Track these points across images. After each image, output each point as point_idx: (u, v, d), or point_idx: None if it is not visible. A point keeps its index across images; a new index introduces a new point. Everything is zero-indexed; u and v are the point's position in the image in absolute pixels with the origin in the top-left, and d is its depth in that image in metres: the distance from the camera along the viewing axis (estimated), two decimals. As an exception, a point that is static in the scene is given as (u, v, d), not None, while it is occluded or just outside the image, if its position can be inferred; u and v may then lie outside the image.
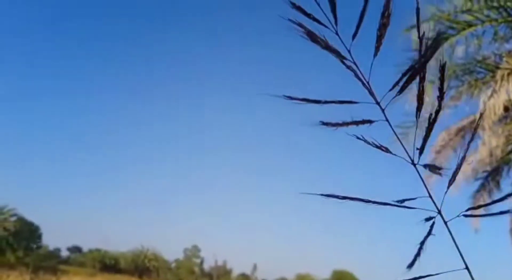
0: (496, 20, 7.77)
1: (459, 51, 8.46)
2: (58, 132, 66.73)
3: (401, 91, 1.01)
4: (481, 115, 6.90)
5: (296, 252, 65.49)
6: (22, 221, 46.86)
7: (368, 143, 0.99)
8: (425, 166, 1.00)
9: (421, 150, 0.97)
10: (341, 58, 0.96)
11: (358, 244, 58.68)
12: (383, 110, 0.96)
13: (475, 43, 7.99)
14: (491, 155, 9.45)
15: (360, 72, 0.98)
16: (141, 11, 65.06)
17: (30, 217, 49.52)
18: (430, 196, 0.95)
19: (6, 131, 60.01)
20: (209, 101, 64.13)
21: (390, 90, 1.00)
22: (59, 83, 63.41)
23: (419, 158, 0.98)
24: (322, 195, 0.96)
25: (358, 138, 0.98)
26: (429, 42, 0.95)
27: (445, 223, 0.94)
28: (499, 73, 7.20)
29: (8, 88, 60.77)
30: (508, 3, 8.34)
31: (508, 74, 7.04)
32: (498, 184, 11.26)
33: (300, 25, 0.91)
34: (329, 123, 0.99)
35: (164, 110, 68.01)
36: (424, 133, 0.95)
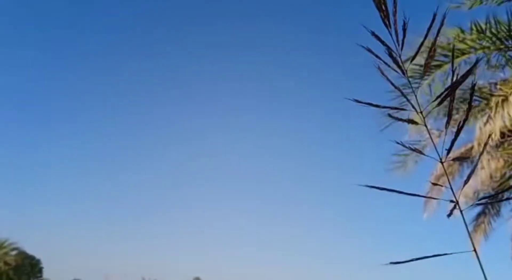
0: (488, 48, 8.09)
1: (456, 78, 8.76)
2: (59, 165, 66.73)
3: (439, 104, 1.33)
4: (482, 141, 7.13)
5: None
6: (23, 254, 46.61)
7: (405, 146, 1.34)
8: (453, 159, 1.31)
9: (449, 150, 1.24)
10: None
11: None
12: (423, 118, 1.27)
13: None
14: (491, 178, 9.66)
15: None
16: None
17: (31, 250, 49.15)
18: (451, 188, 1.21)
19: (8, 162, 60.11)
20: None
21: (433, 101, 1.30)
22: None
23: (446, 157, 1.27)
24: (365, 186, 1.21)
25: (397, 142, 1.34)
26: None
27: (461, 211, 1.18)
28: (493, 100, 7.48)
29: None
30: (501, 32, 8.69)
31: (503, 101, 7.31)
32: (499, 208, 11.43)
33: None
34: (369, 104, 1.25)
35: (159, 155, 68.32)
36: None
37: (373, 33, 1.28)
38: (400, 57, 1.36)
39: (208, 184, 67.68)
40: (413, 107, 1.26)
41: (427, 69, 8.48)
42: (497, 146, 8.38)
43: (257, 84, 45.76)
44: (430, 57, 1.37)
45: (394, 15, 1.33)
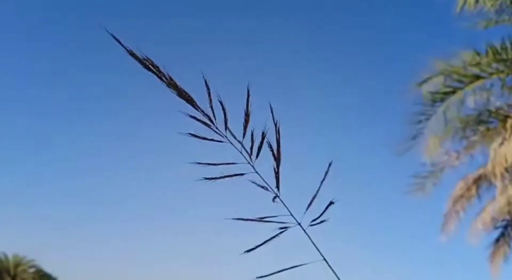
0: (502, 71, 8.11)
1: (471, 102, 8.77)
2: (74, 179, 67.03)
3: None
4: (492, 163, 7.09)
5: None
6: (40, 272, 46.71)
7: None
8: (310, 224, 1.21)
9: (309, 206, 1.19)
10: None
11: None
12: (255, 170, 1.17)
13: (484, 95, 8.31)
14: (509, 203, 9.55)
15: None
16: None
17: (48, 268, 49.24)
18: (291, 214, 1.17)
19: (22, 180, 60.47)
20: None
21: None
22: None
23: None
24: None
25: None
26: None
27: (304, 230, 1.17)
28: (509, 122, 7.47)
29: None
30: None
31: (518, 123, 7.31)
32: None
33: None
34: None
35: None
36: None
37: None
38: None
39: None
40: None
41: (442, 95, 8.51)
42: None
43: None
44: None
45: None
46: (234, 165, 1.15)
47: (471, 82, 8.38)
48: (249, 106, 1.14)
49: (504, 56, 8.60)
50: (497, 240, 11.56)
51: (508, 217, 10.53)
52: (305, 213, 1.17)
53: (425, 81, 8.79)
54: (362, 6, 19.88)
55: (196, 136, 1.13)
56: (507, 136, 7.21)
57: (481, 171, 10.71)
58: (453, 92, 8.28)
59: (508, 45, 8.65)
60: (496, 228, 11.45)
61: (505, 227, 11.15)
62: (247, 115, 1.14)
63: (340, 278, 1.16)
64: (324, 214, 1.18)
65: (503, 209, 9.27)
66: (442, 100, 8.43)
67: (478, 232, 10.29)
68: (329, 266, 1.14)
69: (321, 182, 1.18)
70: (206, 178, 1.13)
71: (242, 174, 1.16)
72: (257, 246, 1.15)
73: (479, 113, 9.04)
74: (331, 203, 1.18)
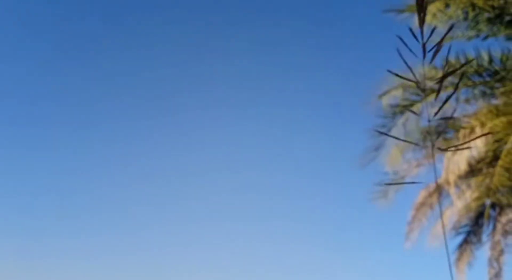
0: (457, 84, 8.67)
1: (429, 114, 9.32)
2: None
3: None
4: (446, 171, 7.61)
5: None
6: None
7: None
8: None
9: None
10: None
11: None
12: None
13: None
14: (466, 208, 10.13)
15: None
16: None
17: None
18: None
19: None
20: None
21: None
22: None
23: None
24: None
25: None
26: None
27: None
28: (461, 132, 8.01)
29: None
30: (469, 69, 9.30)
31: (470, 133, 7.85)
32: (480, 237, 11.79)
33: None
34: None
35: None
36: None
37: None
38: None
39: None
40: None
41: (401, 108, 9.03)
42: (467, 177, 8.86)
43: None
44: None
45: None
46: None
47: (427, 95, 8.92)
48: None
49: (458, 70, 9.17)
50: (460, 245, 12.12)
51: (466, 222, 11.10)
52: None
53: (384, 94, 9.31)
54: (328, 19, 20.52)
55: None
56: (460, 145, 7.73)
57: (442, 179, 11.31)
58: (411, 105, 8.80)
59: (461, 59, 9.23)
60: (459, 233, 12.02)
61: (468, 232, 11.71)
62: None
63: None
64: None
65: (461, 213, 9.80)
66: (401, 112, 8.94)
67: (439, 234, 10.85)
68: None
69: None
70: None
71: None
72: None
73: (437, 125, 9.60)
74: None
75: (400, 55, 1.66)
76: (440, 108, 1.60)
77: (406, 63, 1.79)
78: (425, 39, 1.86)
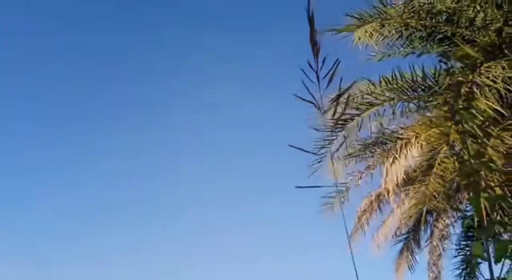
0: (392, 99, 9.23)
1: (369, 127, 9.83)
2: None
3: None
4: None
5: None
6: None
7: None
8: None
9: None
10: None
11: None
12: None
13: (379, 120, 9.42)
14: (407, 216, 10.70)
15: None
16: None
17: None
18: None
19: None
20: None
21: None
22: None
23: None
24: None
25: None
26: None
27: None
28: (399, 143, 8.55)
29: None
30: (405, 85, 9.89)
31: (406, 144, 8.39)
32: (418, 243, 12.46)
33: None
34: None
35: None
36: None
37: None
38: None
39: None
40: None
41: (340, 123, 9.48)
42: (406, 185, 9.40)
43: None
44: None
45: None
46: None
47: (367, 109, 9.42)
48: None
49: (394, 85, 9.74)
50: (401, 251, 12.74)
51: (406, 229, 11.73)
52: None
53: (329, 109, 9.71)
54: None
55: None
56: (397, 155, 8.25)
57: (382, 189, 11.90)
58: (352, 119, 9.28)
59: (397, 75, 9.81)
60: (399, 241, 12.65)
61: (406, 238, 12.35)
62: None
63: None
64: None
65: (401, 220, 10.35)
66: (342, 126, 9.39)
67: (380, 243, 11.37)
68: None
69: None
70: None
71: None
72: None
73: (377, 137, 10.14)
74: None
75: (303, 82, 2.05)
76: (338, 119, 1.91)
77: (307, 88, 2.16)
78: (319, 68, 2.25)
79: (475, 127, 3.82)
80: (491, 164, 4.10)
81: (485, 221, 2.41)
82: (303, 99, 2.08)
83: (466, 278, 11.38)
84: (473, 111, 6.25)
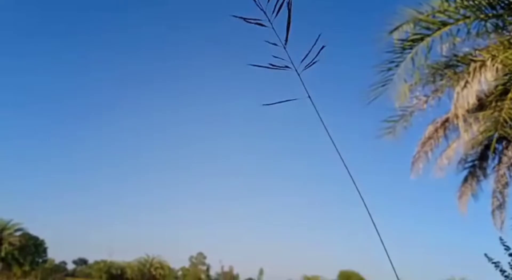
0: (468, 17, 8.47)
1: (444, 48, 9.16)
2: (62, 142, 67.43)
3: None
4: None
5: (302, 255, 65.95)
6: (27, 235, 47.39)
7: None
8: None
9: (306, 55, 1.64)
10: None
11: (362, 243, 59.10)
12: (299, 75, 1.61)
13: (451, 40, 8.73)
14: (475, 142, 10.20)
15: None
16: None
17: (35, 231, 49.85)
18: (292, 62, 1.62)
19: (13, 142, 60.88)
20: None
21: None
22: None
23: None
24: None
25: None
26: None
27: (298, 74, 1.62)
28: (472, 66, 7.91)
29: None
30: (482, 1, 9.05)
31: (480, 66, 7.75)
32: (485, 171, 11.98)
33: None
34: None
35: (165, 119, 68.77)
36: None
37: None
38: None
39: (209, 161, 68.32)
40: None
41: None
42: (477, 110, 8.85)
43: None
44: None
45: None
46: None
47: (438, 29, 8.74)
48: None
49: (470, 2, 8.93)
50: (465, 179, 12.32)
51: (472, 153, 11.22)
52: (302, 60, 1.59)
53: (395, 29, 9.10)
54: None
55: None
56: (469, 79, 7.67)
57: (449, 114, 11.31)
58: (421, 39, 8.64)
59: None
60: (465, 168, 12.19)
61: (472, 166, 11.87)
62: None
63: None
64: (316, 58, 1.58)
65: (468, 146, 9.88)
66: (410, 47, 8.80)
67: (444, 166, 11.00)
68: (313, 103, 1.57)
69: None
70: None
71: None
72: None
73: (448, 59, 9.46)
74: (322, 47, 1.59)
75: None
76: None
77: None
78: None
79: None
80: None
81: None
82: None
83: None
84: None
